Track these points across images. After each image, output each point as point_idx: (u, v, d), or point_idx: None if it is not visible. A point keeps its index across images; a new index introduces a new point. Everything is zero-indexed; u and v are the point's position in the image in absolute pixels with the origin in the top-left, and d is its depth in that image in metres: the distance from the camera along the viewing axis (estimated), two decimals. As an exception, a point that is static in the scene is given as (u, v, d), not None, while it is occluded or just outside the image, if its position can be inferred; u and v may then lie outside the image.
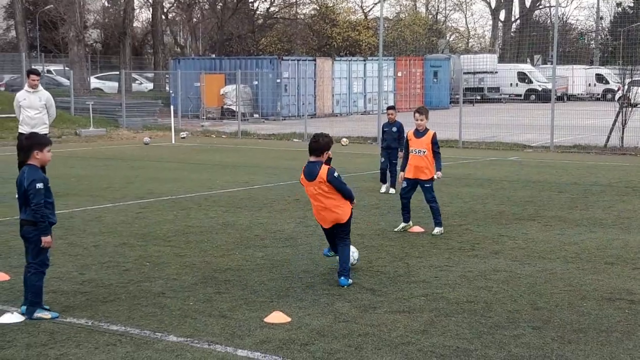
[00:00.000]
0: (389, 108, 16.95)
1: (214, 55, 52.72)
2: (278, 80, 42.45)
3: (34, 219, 7.56)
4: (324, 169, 8.89)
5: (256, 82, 42.68)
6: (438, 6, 79.17)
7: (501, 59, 68.50)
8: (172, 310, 7.92)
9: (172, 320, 7.59)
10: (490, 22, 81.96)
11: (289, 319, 7.58)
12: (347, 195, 9.01)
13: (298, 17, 64.11)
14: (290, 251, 10.67)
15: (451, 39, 76.87)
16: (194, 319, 7.65)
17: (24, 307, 7.72)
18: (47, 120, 15.63)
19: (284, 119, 41.32)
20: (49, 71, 55.41)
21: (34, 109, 15.46)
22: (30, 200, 7.54)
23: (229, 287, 8.81)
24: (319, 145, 8.94)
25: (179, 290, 8.69)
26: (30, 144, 7.77)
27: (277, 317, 7.60)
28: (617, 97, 35.39)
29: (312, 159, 8.97)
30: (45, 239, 7.61)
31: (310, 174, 8.92)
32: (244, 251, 10.65)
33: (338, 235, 9.08)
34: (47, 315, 7.66)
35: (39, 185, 7.55)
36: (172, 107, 33.52)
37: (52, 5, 57.45)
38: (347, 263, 9.00)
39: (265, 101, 42.49)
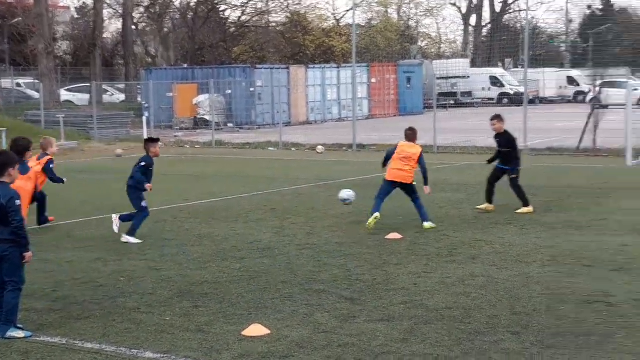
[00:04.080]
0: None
1: (186, 65, 52.51)
2: (252, 89, 42.33)
3: (17, 237, 7.46)
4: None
5: (229, 91, 42.54)
6: (409, 12, 79.52)
7: (473, 64, 68.89)
8: (148, 326, 7.83)
9: (149, 336, 7.50)
10: (462, 27, 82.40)
11: (267, 332, 7.52)
12: None
13: (270, 25, 64.10)
14: (267, 262, 10.61)
15: (423, 45, 77.17)
16: (170, 334, 7.57)
17: (-4, 327, 7.59)
18: None
19: (259, 128, 41.22)
20: (18, 84, 54.88)
21: None
22: (11, 218, 7.43)
23: (206, 300, 8.73)
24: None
25: (155, 305, 8.60)
26: (3, 161, 7.66)
27: (255, 329, 7.54)
28: (588, 99, 35.69)
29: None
30: (28, 255, 7.55)
31: None
32: (221, 263, 10.57)
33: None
34: (20, 334, 7.54)
35: (18, 202, 7.47)
36: (144, 117, 33.33)
37: (20, 18, 57.00)
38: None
39: (239, 110, 42.36)
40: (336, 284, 9.34)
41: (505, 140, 14.28)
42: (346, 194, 13.84)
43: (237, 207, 15.59)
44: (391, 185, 13.16)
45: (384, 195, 13.16)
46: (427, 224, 12.95)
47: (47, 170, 13.23)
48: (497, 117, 14.35)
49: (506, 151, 14.26)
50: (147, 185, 12.20)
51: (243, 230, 13.00)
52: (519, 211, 14.16)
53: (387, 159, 13.26)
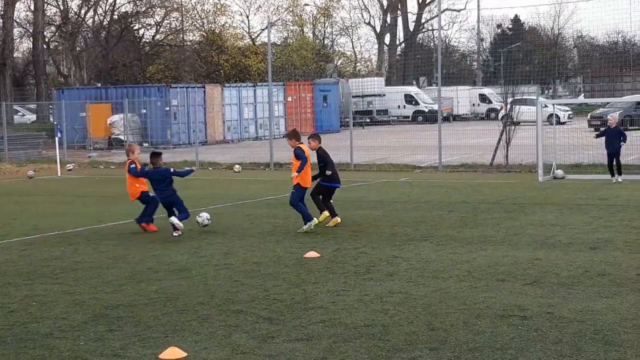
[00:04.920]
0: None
1: (99, 85, 51.73)
2: (167, 108, 41.97)
3: None
4: None
5: (144, 111, 42.06)
6: (325, 31, 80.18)
7: (388, 82, 69.91)
8: (62, 352, 7.61)
9: (62, 363, 7.29)
10: (376, 46, 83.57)
11: (184, 354, 7.39)
12: None
13: (185, 44, 63.67)
14: (184, 283, 10.46)
15: (339, 63, 77.89)
16: (84, 359, 7.37)
17: None
18: None
19: (175, 147, 40.84)
20: None
21: None
22: None
23: (121, 324, 8.55)
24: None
25: (69, 329, 8.37)
26: None
27: (172, 352, 7.40)
28: (500, 116, 36.52)
29: None
30: None
31: None
32: (137, 285, 10.37)
33: None
34: None
35: None
36: (56, 138, 32.62)
37: None
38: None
39: (154, 130, 41.91)
40: (254, 304, 9.26)
41: (319, 156, 15.24)
42: (204, 216, 14.80)
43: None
44: (306, 190, 14.68)
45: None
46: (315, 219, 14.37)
47: (129, 171, 15.07)
48: (312, 137, 15.44)
49: (321, 166, 15.23)
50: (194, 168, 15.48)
51: (159, 252, 12.80)
52: (329, 224, 14.90)
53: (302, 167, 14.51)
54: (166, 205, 14.71)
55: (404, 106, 61.22)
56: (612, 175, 21.99)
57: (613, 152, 21.92)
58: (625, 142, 22.09)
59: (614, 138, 21.93)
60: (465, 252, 12.15)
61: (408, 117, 60.23)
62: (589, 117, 43.53)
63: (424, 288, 9.89)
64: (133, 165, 14.97)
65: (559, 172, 23.38)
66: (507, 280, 10.20)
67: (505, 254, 11.97)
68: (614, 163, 21.93)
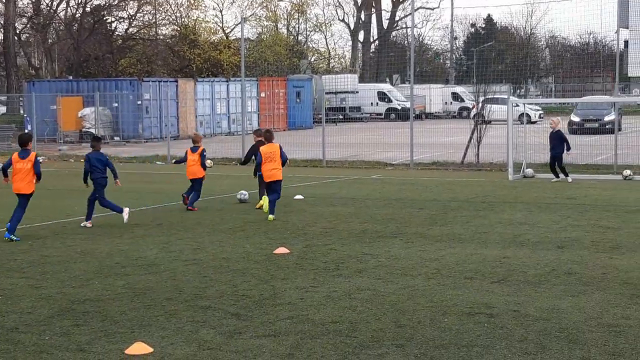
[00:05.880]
0: None
1: (71, 77, 51.24)
2: (139, 102, 41.72)
3: None
4: None
5: (116, 104, 41.78)
6: (299, 27, 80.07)
7: (362, 79, 69.94)
8: (27, 346, 7.55)
9: (27, 357, 7.24)
10: (350, 43, 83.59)
11: (151, 350, 7.37)
12: None
13: (158, 37, 63.28)
14: (152, 278, 10.42)
15: (312, 60, 77.84)
16: (50, 354, 7.32)
17: None
18: None
19: (146, 142, 40.62)
20: None
21: None
22: None
23: (87, 318, 8.50)
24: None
25: (34, 324, 8.31)
26: None
27: (138, 348, 7.38)
28: (472, 114, 36.71)
29: None
30: None
31: None
32: (104, 280, 10.32)
33: None
34: None
35: None
36: (26, 131, 32.29)
37: None
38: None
39: (126, 123, 41.64)
40: (222, 300, 9.25)
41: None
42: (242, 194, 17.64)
43: (122, 222, 15.25)
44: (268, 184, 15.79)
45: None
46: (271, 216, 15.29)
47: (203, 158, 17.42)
48: (255, 132, 17.88)
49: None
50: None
51: (128, 246, 12.74)
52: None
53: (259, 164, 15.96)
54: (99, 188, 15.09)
55: (377, 103, 61.32)
56: (556, 176, 21.90)
57: (554, 155, 21.91)
58: (568, 150, 21.81)
59: (555, 141, 21.82)
60: (434, 250, 12.21)
61: (381, 114, 60.35)
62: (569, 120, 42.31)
63: (392, 285, 9.93)
64: (205, 154, 17.64)
65: (529, 171, 23.54)
66: (475, 278, 10.27)
67: (473, 252, 12.04)
68: (556, 166, 21.89)
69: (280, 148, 15.95)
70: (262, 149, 15.91)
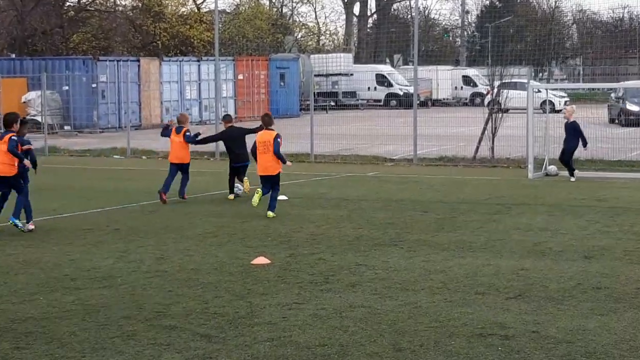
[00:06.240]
0: None
1: (13, 55, 51.10)
2: (94, 85, 41.68)
3: None
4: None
5: (67, 88, 41.72)
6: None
7: (357, 59, 70.03)
8: (-42, 373, 7.53)
9: (-43, 386, 7.21)
10: (344, 17, 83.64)
11: (105, 377, 7.36)
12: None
13: (117, 9, 63.16)
14: (108, 293, 10.41)
15: (299, 36, 77.89)
16: (-15, 382, 7.30)
17: None
18: None
19: (102, 132, 40.59)
20: None
21: None
22: None
23: (30, 340, 8.49)
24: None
25: (-33, 347, 8.29)
26: None
27: (90, 375, 7.36)
28: (486, 101, 36.81)
29: None
30: None
31: None
32: (50, 295, 10.31)
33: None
34: None
35: None
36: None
37: None
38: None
39: (78, 110, 41.57)
40: (190, 318, 9.25)
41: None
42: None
43: (73, 227, 15.25)
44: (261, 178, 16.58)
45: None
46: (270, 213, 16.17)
47: (186, 138, 18.70)
48: (224, 118, 20.01)
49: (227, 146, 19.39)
50: None
51: (79, 255, 12.73)
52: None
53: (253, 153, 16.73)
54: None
55: (375, 88, 61.39)
56: (571, 173, 22.24)
57: (566, 149, 22.17)
58: (585, 146, 22.28)
59: (568, 134, 22.19)
60: (441, 260, 12.23)
61: (379, 100, 60.42)
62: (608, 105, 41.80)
63: (390, 301, 9.94)
64: (189, 134, 18.80)
65: (552, 168, 23.60)
66: (488, 294, 10.29)
67: (486, 262, 12.07)
68: (568, 160, 22.17)
69: (276, 138, 16.37)
70: (257, 136, 16.77)
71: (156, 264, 12.08)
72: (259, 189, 16.39)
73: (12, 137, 14.56)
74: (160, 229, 15.07)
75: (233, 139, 19.02)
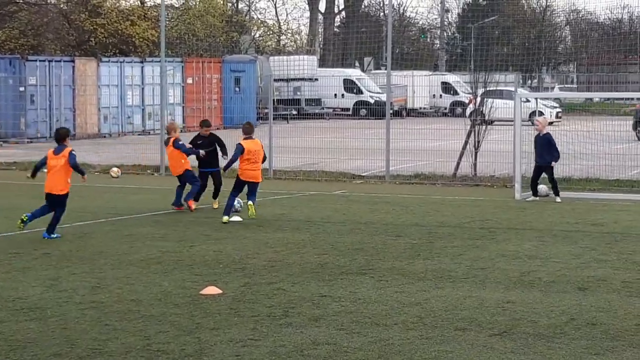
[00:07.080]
0: None
1: None
2: (21, 89, 41.42)
3: None
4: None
5: (-11, 91, 41.44)
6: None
7: (323, 62, 70.21)
8: None
9: None
10: (308, 15, 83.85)
11: None
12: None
13: (49, 2, 62.92)
14: (35, 327, 10.34)
15: (257, 36, 77.98)
16: None
17: None
18: None
19: (31, 142, 40.32)
20: None
21: None
22: None
23: (-56, 381, 8.40)
24: None
25: None
26: None
27: (14, 422, 7.30)
28: (468, 112, 36.98)
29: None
30: None
31: None
32: (-31, 329, 10.22)
33: None
34: None
35: None
36: None
37: None
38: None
39: (3, 117, 41.31)
40: (130, 356, 9.21)
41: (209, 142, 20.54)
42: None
43: (-4, 250, 15.13)
44: (244, 184, 18.51)
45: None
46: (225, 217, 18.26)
47: (179, 147, 19.98)
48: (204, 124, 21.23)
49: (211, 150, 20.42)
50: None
51: (3, 283, 12.64)
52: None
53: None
54: None
55: (343, 95, 61.51)
56: (534, 194, 22.50)
57: (541, 164, 22.33)
58: (556, 160, 22.37)
59: (542, 148, 22.34)
60: (416, 291, 12.26)
61: (348, 109, 60.47)
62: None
63: (359, 338, 9.94)
64: (181, 142, 20.09)
65: (543, 188, 23.74)
66: (469, 330, 10.32)
67: (467, 294, 12.11)
68: (550, 178, 22.33)
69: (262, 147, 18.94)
70: (247, 144, 18.44)
71: (91, 294, 12.00)
72: (249, 202, 18.29)
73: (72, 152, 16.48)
74: (96, 253, 14.98)
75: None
